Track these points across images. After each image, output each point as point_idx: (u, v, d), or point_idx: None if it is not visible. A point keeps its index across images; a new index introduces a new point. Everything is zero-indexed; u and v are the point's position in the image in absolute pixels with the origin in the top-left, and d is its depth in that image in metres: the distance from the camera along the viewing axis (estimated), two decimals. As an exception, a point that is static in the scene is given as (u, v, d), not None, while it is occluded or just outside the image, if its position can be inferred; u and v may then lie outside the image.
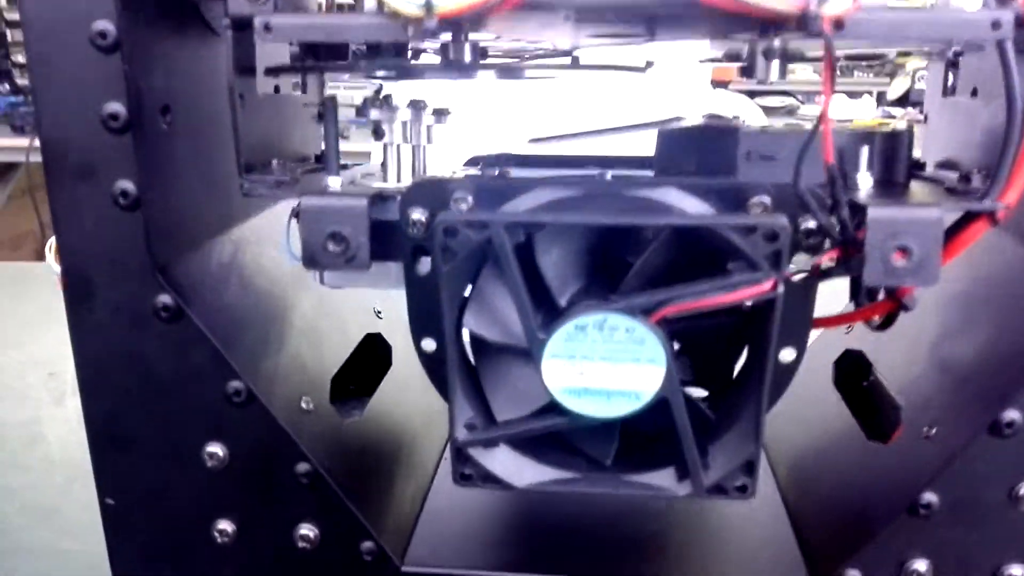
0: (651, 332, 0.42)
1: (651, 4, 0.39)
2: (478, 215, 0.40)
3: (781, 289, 0.40)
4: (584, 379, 0.43)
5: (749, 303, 0.42)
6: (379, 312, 0.67)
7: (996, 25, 0.37)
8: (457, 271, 0.42)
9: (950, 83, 0.53)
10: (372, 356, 0.63)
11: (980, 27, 0.37)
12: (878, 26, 0.37)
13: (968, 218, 0.42)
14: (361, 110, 0.48)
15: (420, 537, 0.53)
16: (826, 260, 0.42)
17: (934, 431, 0.47)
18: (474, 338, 0.46)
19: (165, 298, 0.47)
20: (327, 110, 0.46)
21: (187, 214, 0.50)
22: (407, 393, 0.63)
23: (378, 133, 0.48)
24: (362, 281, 0.48)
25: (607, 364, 0.43)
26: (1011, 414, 0.44)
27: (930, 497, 0.46)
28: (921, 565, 0.47)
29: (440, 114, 0.49)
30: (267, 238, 0.57)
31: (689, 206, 0.42)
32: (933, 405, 0.48)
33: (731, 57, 0.51)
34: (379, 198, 0.45)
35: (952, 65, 0.53)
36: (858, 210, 0.41)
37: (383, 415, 0.59)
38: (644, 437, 0.48)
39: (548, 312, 0.44)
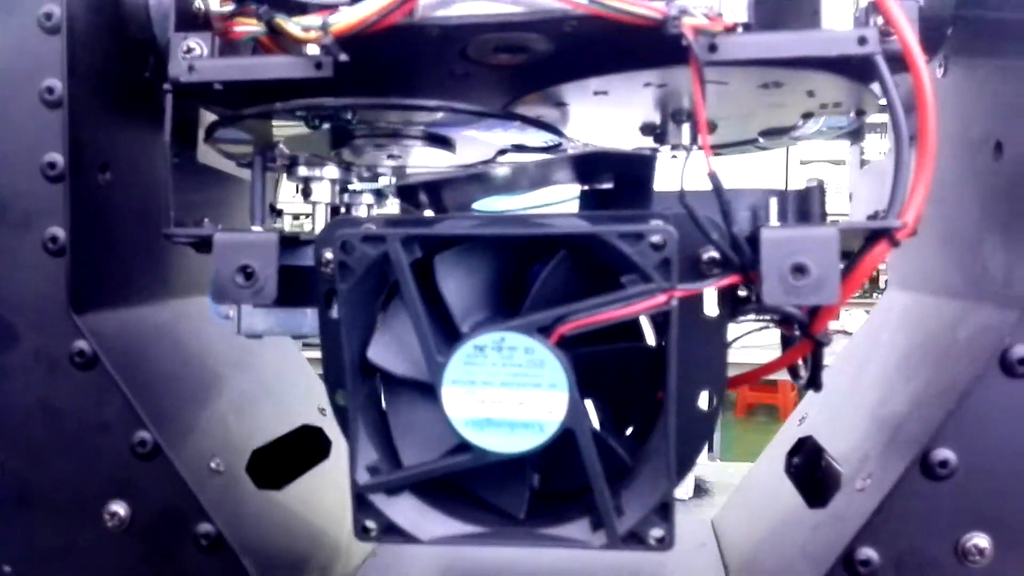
0: (550, 352, 0.41)
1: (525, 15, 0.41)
2: (375, 230, 0.41)
3: (675, 303, 0.40)
4: (486, 408, 0.42)
5: (646, 316, 0.41)
6: (323, 410, 0.66)
7: (863, 41, 0.39)
8: (358, 294, 0.42)
9: (862, 156, 0.55)
10: (308, 444, 0.61)
11: (848, 43, 0.39)
12: (749, 46, 0.39)
13: (871, 240, 0.42)
14: (291, 169, 0.50)
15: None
16: (725, 284, 0.41)
17: (868, 480, 0.44)
18: (384, 377, 0.45)
19: (82, 343, 0.47)
20: (253, 163, 0.49)
21: (119, 267, 0.51)
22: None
23: (306, 192, 0.50)
24: (278, 328, 0.48)
25: (508, 391, 0.41)
26: (942, 453, 0.41)
27: (868, 552, 0.42)
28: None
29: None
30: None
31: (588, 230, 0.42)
32: (869, 458, 0.45)
33: (646, 129, 0.53)
34: (294, 241, 0.46)
35: (855, 135, 0.54)
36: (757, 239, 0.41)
37: (310, 502, 0.57)
38: (560, 495, 0.46)
39: (450, 338, 0.43)
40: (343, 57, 0.42)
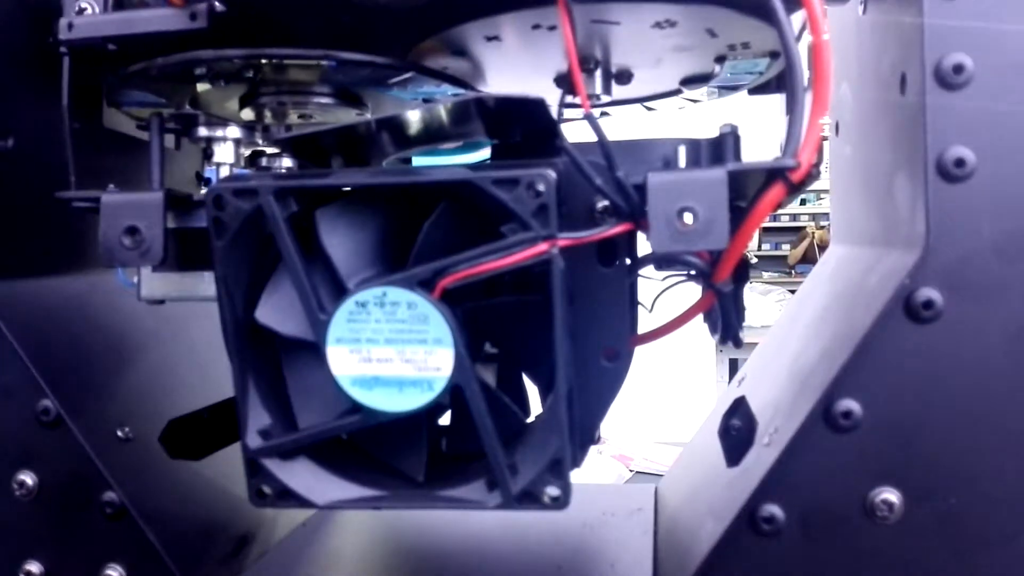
0: (433, 307, 0.39)
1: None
2: (247, 183, 0.40)
3: (556, 251, 0.38)
4: (373, 367, 0.40)
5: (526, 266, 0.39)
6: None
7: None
8: (238, 252, 0.41)
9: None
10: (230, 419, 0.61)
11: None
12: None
13: (767, 183, 0.40)
14: (190, 131, 0.49)
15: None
16: (614, 232, 0.40)
17: (774, 432, 0.42)
18: (278, 338, 0.44)
19: (-20, 312, 0.47)
20: (151, 127, 0.48)
21: (23, 237, 0.50)
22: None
23: (208, 154, 0.49)
24: (177, 293, 0.47)
25: (394, 348, 0.40)
26: (846, 404, 0.39)
27: (772, 509, 0.40)
28: (776, 597, 0.41)
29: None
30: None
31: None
32: (778, 412, 0.43)
33: (559, 81, 0.51)
34: (187, 202, 0.45)
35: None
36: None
37: (234, 475, 0.56)
38: (466, 458, 0.45)
39: (338, 296, 0.42)
40: (219, 7, 0.41)
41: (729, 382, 0.54)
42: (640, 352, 0.46)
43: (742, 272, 0.46)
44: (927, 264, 0.39)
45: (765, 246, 4.73)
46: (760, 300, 2.89)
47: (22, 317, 0.48)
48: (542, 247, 0.38)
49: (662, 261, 0.44)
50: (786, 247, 4.78)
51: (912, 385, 0.39)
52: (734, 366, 2.76)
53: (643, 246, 0.42)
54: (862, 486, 0.40)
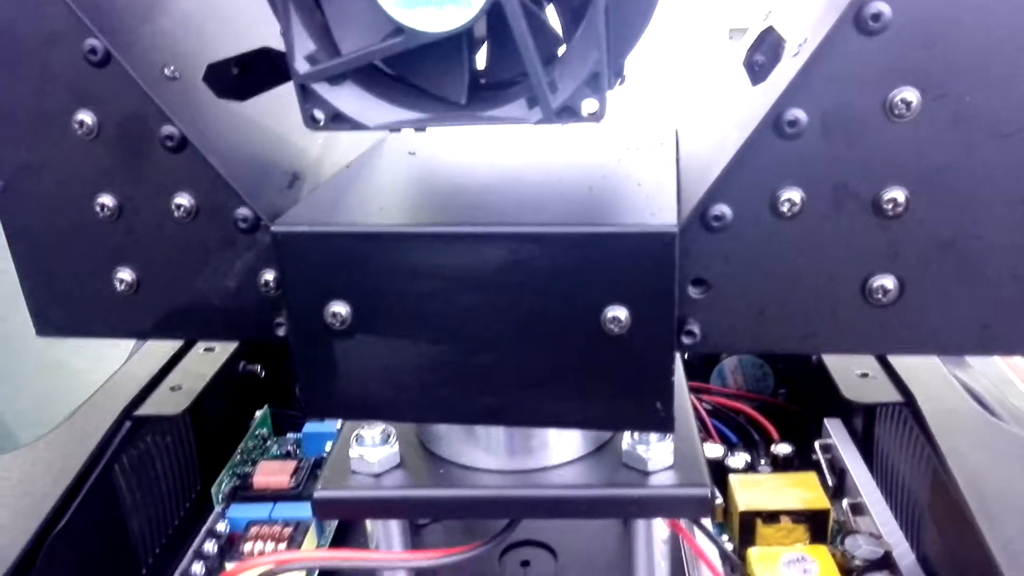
0: (470, -82, 0.39)
1: None
2: None
3: None
4: (412, -14, 0.41)
5: None
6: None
7: None
8: None
9: None
10: (268, 65, 0.62)
11: None
12: None
13: None
14: None
15: (301, 205, 0.52)
16: None
17: (803, 44, 0.43)
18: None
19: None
20: None
21: None
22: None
23: None
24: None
25: (433, -35, 0.40)
26: (877, 6, 0.40)
27: (796, 113, 0.43)
28: (794, 194, 0.45)
29: None
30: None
31: None
32: (808, 24, 0.45)
33: None
34: None
35: None
36: None
37: (276, 114, 0.58)
38: (505, 84, 0.47)
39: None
40: None
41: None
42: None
43: None
44: None
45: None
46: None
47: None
48: None
49: None
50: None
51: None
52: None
53: None
54: (883, 87, 0.42)
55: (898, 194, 0.44)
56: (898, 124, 0.43)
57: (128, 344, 0.92)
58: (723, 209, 0.45)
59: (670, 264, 0.45)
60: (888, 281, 0.46)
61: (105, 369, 0.81)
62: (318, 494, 0.57)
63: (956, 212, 0.44)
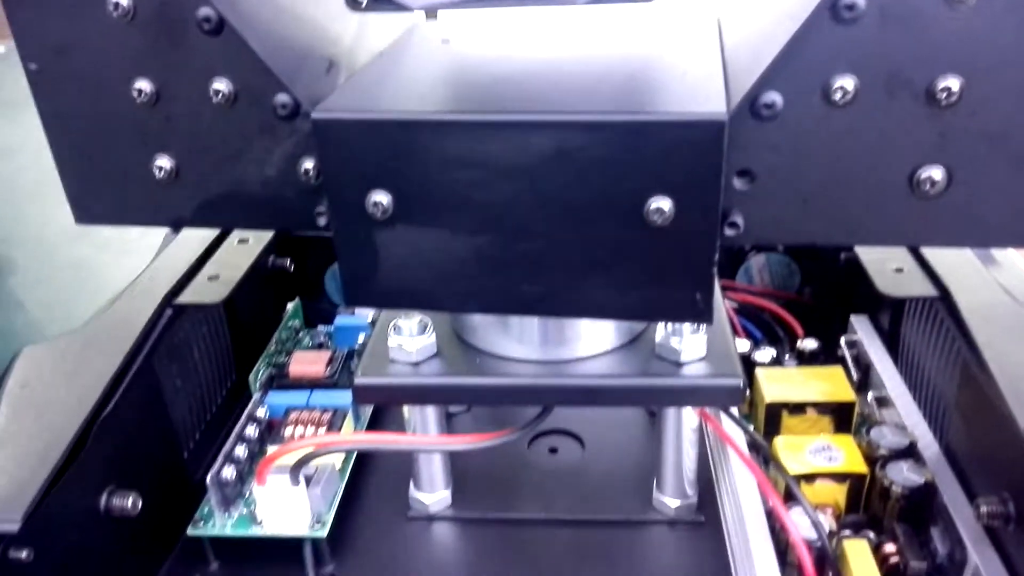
0: None
1: None
2: None
3: None
4: None
5: None
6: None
7: None
8: None
9: None
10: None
11: None
12: None
13: None
14: None
15: (340, 92, 0.52)
16: None
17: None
18: None
19: None
20: None
21: None
22: None
23: None
24: None
25: None
26: None
27: (855, -2, 0.42)
28: (847, 81, 0.44)
29: None
30: None
31: None
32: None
33: None
34: None
35: None
36: None
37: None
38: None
39: None
40: None
41: None
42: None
43: None
44: None
45: None
46: None
47: None
48: None
49: None
50: None
51: None
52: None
53: None
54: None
55: (952, 83, 0.43)
56: (957, 10, 0.41)
57: (153, 242, 0.93)
58: (774, 97, 0.44)
59: (718, 154, 0.44)
60: (937, 172, 0.45)
61: (129, 266, 0.82)
62: (359, 380, 0.59)
63: (1009, 103, 0.43)
